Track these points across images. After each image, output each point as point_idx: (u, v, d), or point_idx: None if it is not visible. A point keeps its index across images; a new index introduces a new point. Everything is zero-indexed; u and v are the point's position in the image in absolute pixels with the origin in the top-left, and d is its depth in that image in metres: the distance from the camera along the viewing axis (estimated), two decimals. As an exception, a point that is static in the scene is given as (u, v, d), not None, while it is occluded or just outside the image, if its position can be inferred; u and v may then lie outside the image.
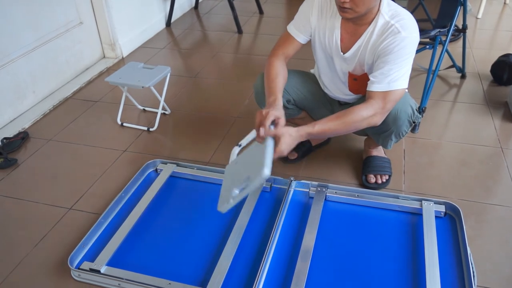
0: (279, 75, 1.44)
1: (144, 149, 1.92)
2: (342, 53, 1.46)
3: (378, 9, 1.36)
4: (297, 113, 1.70)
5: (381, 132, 1.51)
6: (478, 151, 1.84)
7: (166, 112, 2.17)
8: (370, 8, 1.32)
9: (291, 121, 1.77)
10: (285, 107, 1.58)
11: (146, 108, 2.22)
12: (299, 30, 1.49)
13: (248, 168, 1.26)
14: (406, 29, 1.32)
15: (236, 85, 2.42)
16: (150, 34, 3.14)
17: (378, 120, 1.34)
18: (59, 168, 1.84)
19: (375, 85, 1.33)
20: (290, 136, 1.26)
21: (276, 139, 1.24)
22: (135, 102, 2.19)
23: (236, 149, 1.42)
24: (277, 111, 1.29)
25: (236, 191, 1.23)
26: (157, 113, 2.10)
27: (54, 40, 2.37)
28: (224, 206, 1.26)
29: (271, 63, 1.47)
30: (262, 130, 1.24)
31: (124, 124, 2.08)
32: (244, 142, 1.41)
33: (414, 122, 1.49)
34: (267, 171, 1.13)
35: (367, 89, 1.36)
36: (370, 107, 1.31)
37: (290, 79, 1.56)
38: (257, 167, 1.18)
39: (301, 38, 1.50)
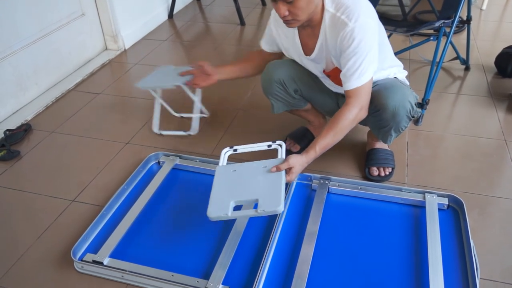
0: (244, 61, 1.71)
1: (147, 141, 1.92)
2: (307, 56, 1.49)
3: (323, 6, 1.35)
4: (303, 104, 1.70)
5: (380, 128, 1.50)
6: (482, 144, 1.83)
7: (205, 115, 2.00)
8: (312, 11, 1.32)
9: (296, 113, 1.77)
10: (292, 96, 1.62)
11: (184, 115, 2.05)
12: (265, 42, 1.64)
13: (255, 188, 1.26)
14: (352, 17, 1.29)
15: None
16: (153, 26, 3.13)
17: (364, 114, 1.39)
18: (62, 160, 1.84)
19: (346, 85, 1.37)
20: (301, 166, 1.34)
21: (287, 170, 1.32)
22: (169, 108, 2.01)
23: (228, 151, 1.40)
24: (212, 68, 1.64)
25: (233, 205, 1.23)
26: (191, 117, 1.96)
27: (56, 31, 2.36)
28: (218, 215, 1.20)
29: (249, 54, 1.72)
30: (274, 168, 1.31)
31: (163, 133, 1.95)
32: (241, 149, 1.39)
33: (413, 117, 1.48)
34: (282, 207, 1.18)
35: (343, 89, 1.39)
36: (352, 107, 1.36)
37: (298, 70, 1.58)
38: (269, 197, 1.20)
39: (267, 47, 1.65)
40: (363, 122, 1.52)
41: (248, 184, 1.28)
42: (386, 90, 1.42)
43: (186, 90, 1.81)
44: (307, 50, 1.48)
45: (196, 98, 1.90)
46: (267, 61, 1.63)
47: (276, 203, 1.18)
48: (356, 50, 1.31)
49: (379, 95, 1.42)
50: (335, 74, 1.47)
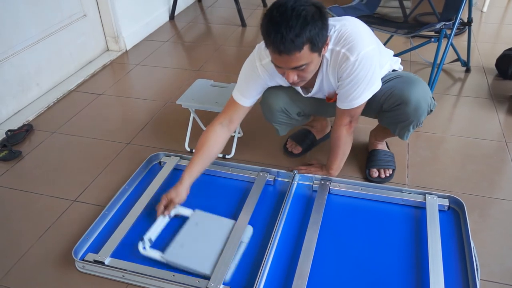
0: (205, 146, 1.46)
1: (148, 142, 1.93)
2: (307, 95, 1.49)
3: None
4: (307, 119, 1.70)
5: (399, 122, 1.48)
6: (483, 145, 1.83)
7: (240, 135, 1.91)
8: (319, 64, 1.31)
9: (302, 126, 1.77)
10: (295, 119, 1.62)
11: None
12: (245, 96, 1.46)
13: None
14: (354, 51, 1.27)
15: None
16: (154, 27, 3.14)
17: (354, 124, 1.48)
18: (63, 161, 1.84)
19: (340, 103, 1.42)
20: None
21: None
22: (201, 125, 1.95)
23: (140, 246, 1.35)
24: (173, 193, 1.43)
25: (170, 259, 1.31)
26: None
27: (58, 32, 2.37)
28: (153, 255, 1.33)
29: (207, 130, 1.49)
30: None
31: (194, 151, 1.85)
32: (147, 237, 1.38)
33: (431, 111, 1.47)
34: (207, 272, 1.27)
35: (336, 104, 1.44)
36: (343, 125, 1.47)
37: (297, 93, 1.52)
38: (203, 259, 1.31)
39: (248, 103, 1.47)
40: (378, 118, 1.53)
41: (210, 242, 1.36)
42: (406, 84, 1.40)
43: None
44: (307, 87, 1.47)
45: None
46: (242, 117, 1.51)
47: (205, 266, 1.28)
48: (355, 80, 1.32)
49: (399, 90, 1.40)
50: (336, 100, 1.47)
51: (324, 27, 1.18)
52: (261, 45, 1.35)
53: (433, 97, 1.47)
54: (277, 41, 1.13)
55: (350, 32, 1.28)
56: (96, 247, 1.38)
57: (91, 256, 1.33)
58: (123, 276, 1.28)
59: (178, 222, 1.45)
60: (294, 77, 1.25)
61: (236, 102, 1.47)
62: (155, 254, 1.32)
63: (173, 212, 1.46)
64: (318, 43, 1.18)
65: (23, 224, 1.53)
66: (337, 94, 1.43)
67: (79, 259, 1.33)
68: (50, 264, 1.37)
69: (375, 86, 1.37)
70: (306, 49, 1.16)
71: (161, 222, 1.42)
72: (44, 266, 1.36)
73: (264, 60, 1.38)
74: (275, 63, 1.24)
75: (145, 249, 1.33)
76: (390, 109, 1.45)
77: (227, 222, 1.42)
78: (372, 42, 1.33)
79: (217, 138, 1.48)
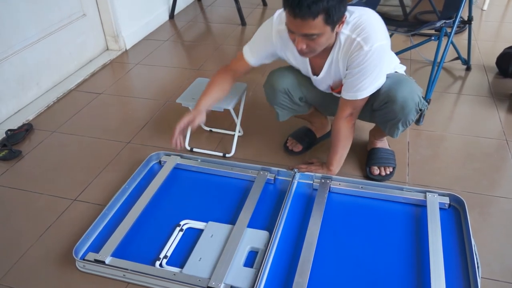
0: (216, 83, 1.57)
1: (148, 141, 1.92)
2: (315, 76, 1.50)
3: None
4: (306, 110, 1.70)
5: (388, 120, 1.50)
6: (483, 144, 1.83)
7: (240, 134, 1.91)
8: (329, 43, 1.33)
9: (300, 116, 1.77)
10: (297, 104, 1.61)
11: (214, 130, 1.97)
12: (252, 55, 1.52)
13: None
14: (368, 41, 1.30)
15: (240, 78, 2.41)
16: (154, 26, 3.13)
17: (355, 117, 1.51)
18: (63, 160, 1.84)
19: (345, 93, 1.43)
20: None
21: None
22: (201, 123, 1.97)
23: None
24: (192, 115, 1.50)
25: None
26: (224, 134, 1.93)
27: (57, 32, 2.37)
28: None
29: (216, 73, 1.59)
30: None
31: (194, 150, 1.85)
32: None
33: (421, 110, 1.48)
34: None
35: (341, 94, 1.46)
36: (344, 118, 1.48)
37: (302, 77, 1.57)
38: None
39: (253, 62, 1.53)
40: (370, 119, 1.54)
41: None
42: (394, 83, 1.43)
43: (232, 113, 1.78)
44: (316, 69, 1.48)
45: (238, 119, 1.84)
46: (245, 73, 1.58)
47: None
48: (364, 70, 1.35)
49: (387, 89, 1.42)
50: (341, 90, 1.49)
51: (342, 3, 1.22)
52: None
53: (424, 97, 1.48)
54: (294, 3, 1.17)
55: (368, 22, 1.31)
56: (96, 247, 1.38)
57: (91, 256, 1.33)
58: (124, 275, 1.28)
59: (191, 237, 1.42)
60: (303, 45, 1.27)
61: (243, 57, 1.53)
62: (174, 271, 1.29)
63: (185, 227, 1.45)
64: (333, 16, 1.20)
65: (23, 223, 1.53)
66: (342, 85, 1.44)
67: (80, 259, 1.33)
68: (50, 263, 1.37)
69: (380, 81, 1.40)
70: (320, 18, 1.19)
71: (174, 238, 1.40)
72: (44, 265, 1.36)
73: (282, 25, 1.39)
74: (288, 27, 1.26)
75: (162, 266, 1.31)
76: (379, 108, 1.47)
77: (240, 229, 1.40)
78: (387, 38, 1.36)
79: (225, 79, 1.57)
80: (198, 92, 1.80)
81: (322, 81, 1.51)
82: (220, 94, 1.58)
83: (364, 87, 1.39)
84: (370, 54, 1.31)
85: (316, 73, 1.49)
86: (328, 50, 1.39)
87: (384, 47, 1.34)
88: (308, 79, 1.58)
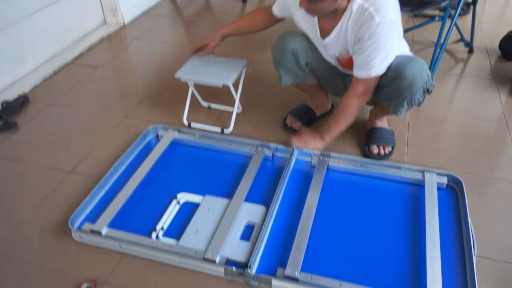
0: (249, 14, 1.70)
1: (145, 115, 1.90)
2: (322, 39, 1.49)
3: None
4: (310, 79, 1.68)
5: (394, 98, 1.48)
6: (483, 126, 1.82)
7: (239, 110, 1.89)
8: (334, 8, 1.35)
9: (301, 87, 1.75)
10: (302, 69, 1.60)
11: (212, 105, 1.95)
12: (277, 3, 1.61)
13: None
14: (380, 12, 1.31)
15: (240, 54, 2.37)
16: (153, 1, 3.08)
17: (367, 99, 1.51)
18: (59, 133, 1.82)
19: (356, 71, 1.44)
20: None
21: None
22: (199, 98, 1.93)
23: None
24: (208, 39, 1.69)
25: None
26: (222, 110, 1.92)
27: (55, 4, 2.32)
28: None
29: (257, 8, 1.70)
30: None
31: (192, 125, 1.83)
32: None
33: (428, 90, 1.46)
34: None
35: (353, 72, 1.46)
36: (356, 96, 1.47)
37: (311, 43, 1.57)
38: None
39: (276, 11, 1.62)
40: (375, 95, 1.52)
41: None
42: (404, 60, 1.41)
43: (231, 89, 1.73)
44: (324, 33, 1.47)
45: (237, 95, 1.79)
46: (273, 23, 1.66)
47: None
48: (375, 44, 1.34)
49: (396, 65, 1.41)
50: (348, 64, 1.49)
51: None
52: None
53: (432, 78, 1.46)
54: None
55: None
56: (93, 217, 1.37)
57: (87, 226, 1.32)
58: (120, 246, 1.28)
59: (187, 210, 1.41)
60: (305, 5, 1.34)
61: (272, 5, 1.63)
62: (170, 243, 1.29)
63: (182, 200, 1.44)
64: None
65: (18, 193, 1.52)
66: (348, 60, 1.44)
67: (76, 229, 1.32)
68: (46, 233, 1.36)
69: (391, 57, 1.40)
70: None
71: (171, 211, 1.39)
72: (40, 235, 1.35)
73: None
74: None
75: (159, 238, 1.31)
76: (386, 84, 1.45)
77: (237, 204, 1.39)
78: (399, 14, 1.36)
79: (260, 12, 1.67)
80: (196, 67, 1.78)
81: (329, 47, 1.50)
82: (250, 22, 1.69)
83: (377, 64, 1.38)
84: (381, 26, 1.31)
85: (324, 36, 1.48)
86: (339, 16, 1.39)
87: (395, 22, 1.34)
88: (316, 48, 1.58)
